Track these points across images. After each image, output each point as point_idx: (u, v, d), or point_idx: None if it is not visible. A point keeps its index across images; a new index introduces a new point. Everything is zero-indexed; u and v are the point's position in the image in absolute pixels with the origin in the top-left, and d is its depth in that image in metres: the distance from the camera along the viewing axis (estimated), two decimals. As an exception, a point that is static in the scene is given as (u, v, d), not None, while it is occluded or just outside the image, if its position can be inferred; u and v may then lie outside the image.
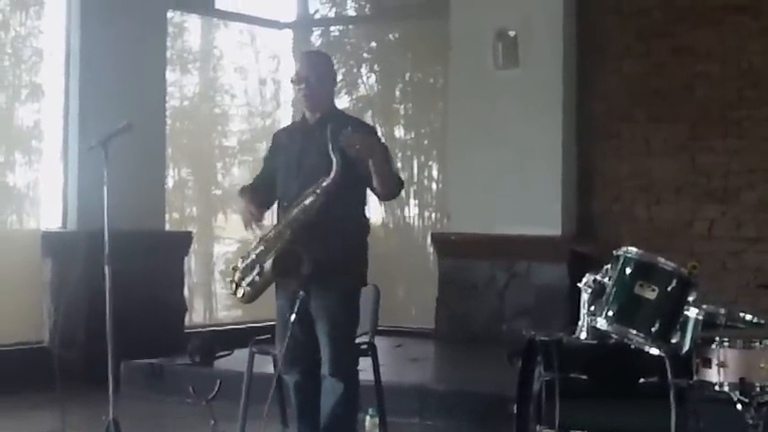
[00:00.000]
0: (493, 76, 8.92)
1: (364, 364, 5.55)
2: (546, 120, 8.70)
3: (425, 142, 10.41)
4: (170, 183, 9.67)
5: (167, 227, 9.27)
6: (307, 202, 5.03)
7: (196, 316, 9.82)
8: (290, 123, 5.77)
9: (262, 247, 5.12)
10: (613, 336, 4.59)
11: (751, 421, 4.35)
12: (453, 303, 9.07)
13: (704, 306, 4.62)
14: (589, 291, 4.67)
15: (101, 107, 8.07)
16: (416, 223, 10.31)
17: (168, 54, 9.37)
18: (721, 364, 4.38)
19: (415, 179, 10.17)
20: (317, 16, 10.86)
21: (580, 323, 4.72)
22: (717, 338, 4.44)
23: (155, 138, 8.81)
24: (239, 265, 5.19)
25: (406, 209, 10.29)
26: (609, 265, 4.65)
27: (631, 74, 8.77)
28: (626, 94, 8.77)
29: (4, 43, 8.64)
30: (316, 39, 10.81)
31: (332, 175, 4.96)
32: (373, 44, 10.80)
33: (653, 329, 4.48)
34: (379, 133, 5.61)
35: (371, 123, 7.90)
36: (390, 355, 8.02)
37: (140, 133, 6.10)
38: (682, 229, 8.47)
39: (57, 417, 6.19)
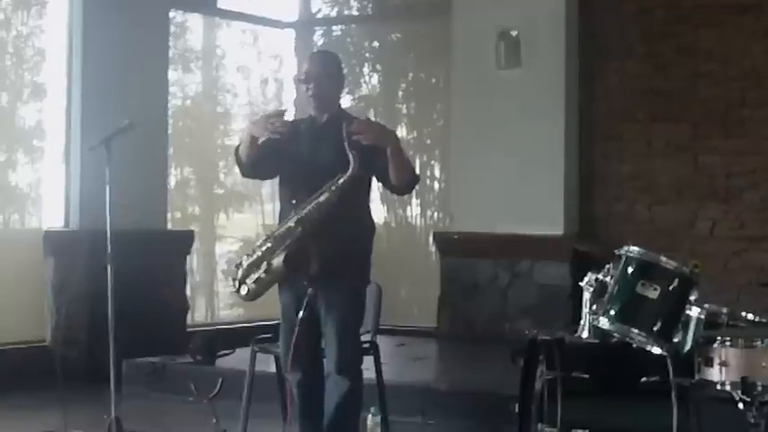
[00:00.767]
0: (495, 76, 8.93)
1: (366, 363, 5.52)
2: (548, 119, 8.71)
3: (428, 142, 10.42)
4: (172, 182, 9.67)
5: (169, 226, 9.26)
6: (322, 199, 4.97)
7: (198, 314, 9.82)
8: (294, 119, 5.64)
9: (269, 245, 5.05)
10: (615, 335, 4.57)
11: (752, 420, 4.33)
12: (456, 302, 9.07)
13: (706, 305, 4.61)
14: (591, 290, 4.66)
15: (103, 106, 8.06)
16: (419, 222, 10.31)
17: (170, 53, 9.36)
18: (723, 364, 4.36)
19: (418, 179, 10.17)
20: (320, 16, 10.86)
21: (582, 322, 4.71)
22: (719, 338, 4.42)
23: (157, 137, 8.80)
24: (243, 263, 5.10)
25: (409, 208, 10.29)
26: (611, 265, 4.64)
27: (634, 74, 8.77)
28: (628, 93, 8.77)
29: (6, 43, 8.64)
30: (318, 38, 10.80)
31: (349, 171, 4.93)
32: (375, 44, 10.79)
33: (655, 328, 4.46)
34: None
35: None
36: (392, 354, 8.01)
37: (142, 132, 6.13)
38: (684, 229, 8.48)
39: (59, 415, 6.17)
